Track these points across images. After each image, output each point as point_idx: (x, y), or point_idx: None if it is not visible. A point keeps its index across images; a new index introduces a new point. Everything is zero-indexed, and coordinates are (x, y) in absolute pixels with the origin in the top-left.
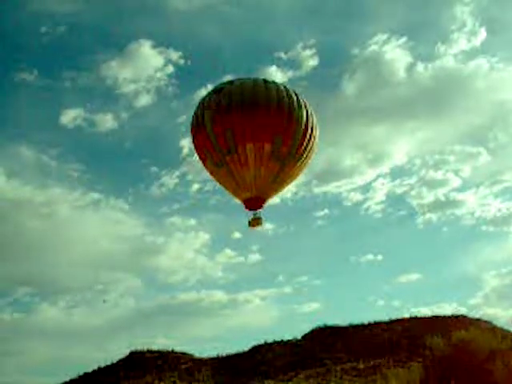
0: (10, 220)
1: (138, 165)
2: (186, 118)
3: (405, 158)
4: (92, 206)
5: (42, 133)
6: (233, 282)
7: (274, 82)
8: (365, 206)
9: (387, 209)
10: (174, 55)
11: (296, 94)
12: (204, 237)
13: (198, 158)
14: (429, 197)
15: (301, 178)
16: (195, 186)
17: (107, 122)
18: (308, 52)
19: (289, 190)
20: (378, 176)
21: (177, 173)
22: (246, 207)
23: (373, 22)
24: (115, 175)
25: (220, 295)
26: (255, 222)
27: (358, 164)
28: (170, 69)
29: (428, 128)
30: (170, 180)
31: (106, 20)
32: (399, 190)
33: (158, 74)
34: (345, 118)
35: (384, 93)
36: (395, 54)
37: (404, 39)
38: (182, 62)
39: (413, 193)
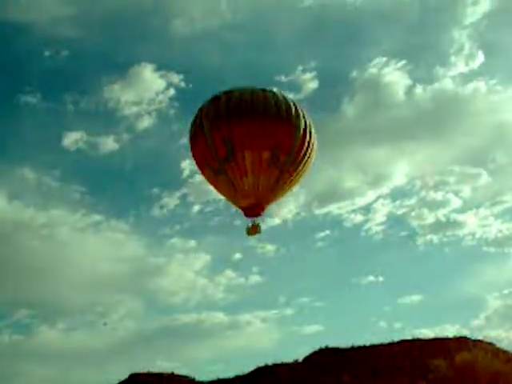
0: (11, 241)
1: (139, 186)
2: (187, 140)
3: (405, 179)
4: (93, 227)
5: (44, 155)
6: (234, 304)
7: (271, 91)
8: (365, 227)
9: (388, 230)
10: (176, 78)
11: (294, 103)
12: (205, 258)
13: (196, 166)
14: (429, 218)
15: (301, 199)
16: (196, 208)
17: (109, 144)
18: (308, 75)
19: (290, 211)
20: (379, 197)
21: (178, 194)
22: (245, 215)
23: (372, 45)
24: (116, 197)
25: (221, 317)
26: (254, 229)
27: (358, 185)
28: (172, 92)
29: (427, 149)
30: (171, 201)
31: (109, 44)
32: (400, 211)
33: (160, 97)
34: (345, 139)
35: (383, 115)
36: (394, 76)
37: (403, 62)
38: (183, 85)
39: (413, 214)
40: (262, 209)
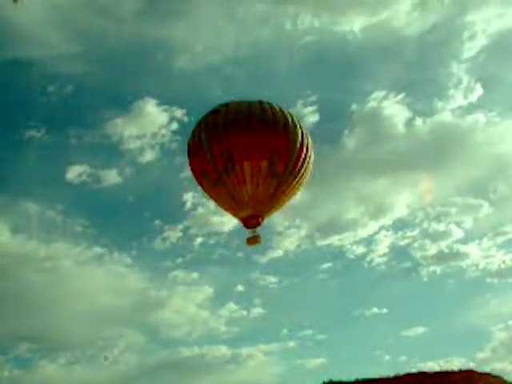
0: (13, 274)
1: (141, 219)
2: (189, 174)
3: (406, 211)
4: (95, 260)
5: (47, 188)
6: (236, 337)
7: (268, 103)
8: (368, 258)
9: (391, 261)
10: (179, 113)
11: (291, 114)
12: (207, 290)
13: (194, 180)
14: (432, 249)
15: (303, 231)
16: (198, 240)
17: (112, 177)
18: (309, 108)
19: (291, 243)
20: (381, 228)
21: (180, 226)
22: (245, 225)
23: (371, 79)
24: (119, 229)
25: (223, 350)
26: (254, 239)
27: (359, 217)
28: (175, 126)
29: (428, 181)
30: (174, 234)
31: (113, 79)
32: (402, 243)
33: (163, 131)
34: (346, 171)
35: (384, 147)
36: (394, 109)
37: (402, 95)
38: (185, 119)
39: (416, 245)
40: (262, 219)
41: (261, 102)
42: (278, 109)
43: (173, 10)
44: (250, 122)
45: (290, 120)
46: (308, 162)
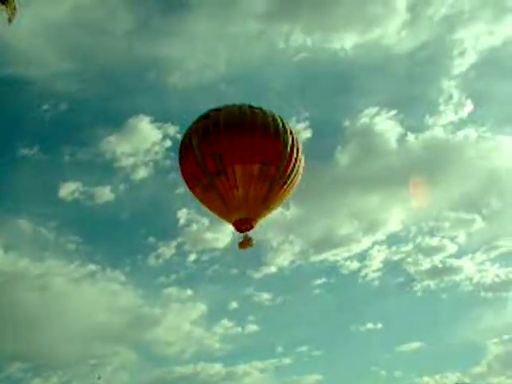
0: (5, 293)
1: (135, 236)
2: (182, 190)
3: (400, 226)
4: (88, 277)
5: (40, 206)
6: (230, 354)
7: (259, 108)
8: (362, 273)
9: (384, 276)
10: (172, 130)
11: (281, 119)
12: (201, 308)
13: (185, 185)
14: (426, 264)
15: (297, 247)
16: (192, 256)
17: (105, 194)
18: (301, 125)
19: (285, 259)
20: (374, 244)
21: (174, 243)
22: (237, 229)
23: (363, 96)
24: (112, 246)
25: (218, 368)
26: (246, 242)
27: (353, 232)
28: (168, 143)
29: (421, 196)
30: (167, 250)
31: (106, 97)
32: (396, 258)
33: (156, 148)
34: (339, 187)
35: (377, 162)
36: (386, 125)
37: (394, 112)
38: (179, 136)
39: (409, 260)
40: (253, 222)
41: (251, 107)
42: (268, 113)
43: (166, 29)
44: (241, 125)
45: (280, 124)
46: (298, 166)
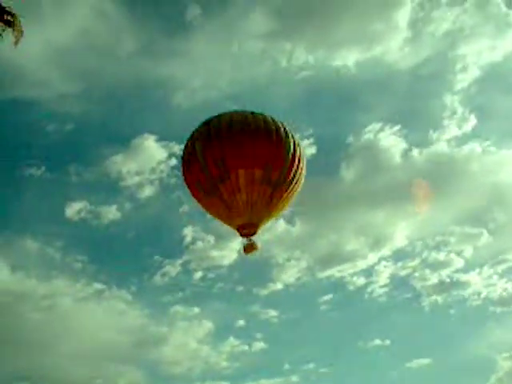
0: (12, 313)
1: (141, 254)
2: (188, 208)
3: (406, 241)
4: (95, 297)
5: (47, 225)
6: (238, 372)
7: (261, 114)
8: (369, 289)
9: (391, 292)
10: (177, 148)
11: (283, 124)
12: (207, 325)
13: (189, 191)
14: (433, 278)
15: (303, 264)
16: (198, 274)
17: (111, 213)
18: (306, 142)
19: (291, 276)
20: (381, 259)
21: (180, 261)
22: (241, 234)
23: (366, 112)
24: (118, 265)
25: None
26: (250, 247)
27: (359, 248)
28: (173, 161)
29: (426, 211)
30: (173, 269)
31: (112, 117)
32: (402, 273)
33: (161, 167)
34: (344, 203)
35: (381, 178)
36: (390, 141)
37: (397, 127)
38: None
39: (416, 275)
40: (257, 227)
41: (253, 113)
42: (270, 119)
43: (170, 50)
44: (243, 130)
45: (282, 129)
46: (301, 171)
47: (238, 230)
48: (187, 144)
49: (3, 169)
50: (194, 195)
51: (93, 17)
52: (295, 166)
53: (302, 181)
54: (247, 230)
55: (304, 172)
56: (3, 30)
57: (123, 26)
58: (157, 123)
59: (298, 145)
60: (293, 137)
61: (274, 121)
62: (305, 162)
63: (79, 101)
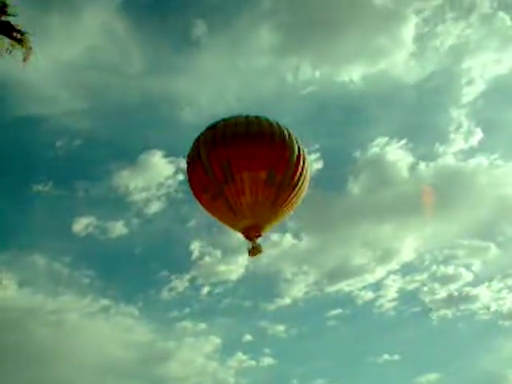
0: (20, 329)
1: (148, 269)
2: (195, 223)
3: (414, 255)
4: (102, 312)
5: (54, 241)
6: None
7: (265, 118)
8: (377, 303)
9: (400, 306)
10: (184, 164)
11: (287, 129)
12: (215, 341)
13: (193, 195)
14: (441, 292)
15: (311, 278)
16: (205, 289)
17: (118, 229)
18: (312, 156)
19: (299, 290)
20: (389, 273)
21: (187, 276)
22: (245, 237)
23: (373, 126)
24: (126, 281)
25: None
26: (255, 250)
27: (367, 262)
28: (180, 177)
29: (434, 224)
30: (180, 284)
31: (119, 133)
32: (411, 287)
33: (168, 182)
34: (352, 217)
35: (388, 191)
36: (397, 154)
37: (404, 141)
38: None
39: (425, 289)
40: (262, 230)
41: (258, 117)
42: (274, 123)
43: (177, 67)
44: (248, 134)
45: (286, 133)
46: (305, 175)
47: (242, 232)
48: (192, 148)
49: (11, 184)
50: (198, 199)
51: (101, 35)
52: (299, 169)
53: (307, 185)
54: (252, 232)
55: (308, 176)
56: (13, 48)
57: (131, 44)
58: (164, 139)
59: (303, 150)
60: (297, 141)
61: (278, 125)
62: (309, 166)
63: (87, 117)
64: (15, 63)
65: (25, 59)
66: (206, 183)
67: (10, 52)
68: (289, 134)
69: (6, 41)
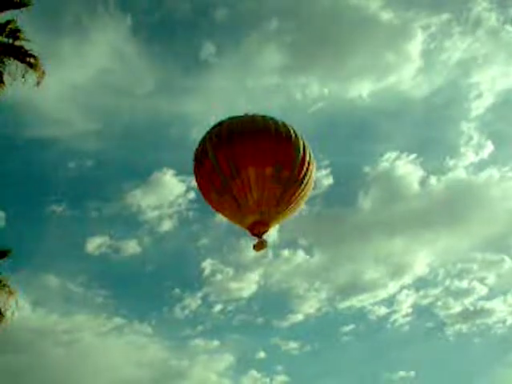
0: (34, 349)
1: (160, 288)
2: (207, 241)
3: (427, 269)
4: (115, 331)
5: (68, 261)
6: None
7: (271, 117)
8: (391, 319)
9: (414, 321)
10: (195, 182)
11: (292, 128)
12: (228, 359)
13: (201, 195)
14: (456, 307)
15: (323, 294)
16: (218, 307)
17: (131, 247)
18: (323, 172)
19: (311, 306)
20: (402, 288)
21: (199, 294)
22: (251, 232)
23: (382, 141)
24: (138, 299)
25: None
26: (260, 245)
27: (380, 277)
28: (192, 195)
29: (447, 238)
30: (193, 302)
31: (131, 153)
32: (425, 302)
33: (180, 200)
34: (363, 232)
35: (400, 206)
36: (407, 169)
37: (414, 155)
38: None
39: (439, 303)
40: (267, 227)
41: (264, 116)
42: (280, 121)
43: (186, 87)
44: (253, 130)
45: (292, 131)
46: (311, 173)
47: (248, 228)
48: (199, 146)
49: (25, 205)
50: (205, 196)
51: (111, 57)
52: (305, 166)
53: (313, 183)
54: (257, 228)
55: (314, 174)
56: (26, 72)
57: (140, 65)
58: (174, 158)
59: (308, 148)
60: (302, 138)
61: (284, 123)
62: (315, 165)
63: (99, 138)
64: (28, 87)
65: (38, 83)
66: (213, 178)
67: (23, 76)
68: (295, 132)
69: (19, 65)
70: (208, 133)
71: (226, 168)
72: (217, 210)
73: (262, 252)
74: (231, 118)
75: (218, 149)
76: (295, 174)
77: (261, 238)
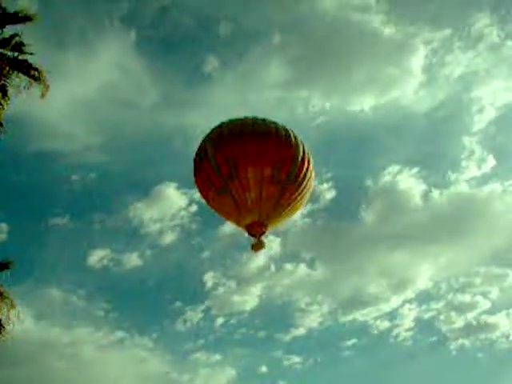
0: (36, 362)
1: (162, 301)
2: (209, 254)
3: (430, 283)
4: (117, 344)
5: (70, 274)
6: None
7: (272, 121)
8: (393, 333)
9: (417, 335)
10: (197, 195)
11: (292, 131)
12: (230, 372)
13: (200, 194)
14: (459, 321)
15: (325, 308)
16: (220, 320)
17: (133, 260)
18: (325, 186)
19: (314, 320)
20: (404, 302)
21: (201, 307)
22: (249, 233)
23: (384, 155)
24: (140, 312)
25: None
26: (258, 245)
27: (382, 291)
28: (194, 207)
29: (450, 252)
30: (195, 315)
31: (134, 166)
32: (427, 316)
33: (182, 213)
34: (366, 246)
35: (402, 219)
36: (409, 182)
37: (416, 169)
38: (204, 200)
39: (442, 318)
40: (265, 227)
41: (264, 119)
42: (280, 125)
43: (190, 100)
44: (254, 131)
45: (291, 134)
46: (310, 176)
47: (246, 229)
48: (199, 147)
49: (28, 218)
50: (205, 196)
51: (115, 71)
52: (305, 167)
53: (312, 185)
54: (255, 228)
55: (313, 176)
56: (30, 85)
57: (144, 79)
58: (177, 171)
59: (308, 151)
60: (301, 142)
61: (284, 127)
62: (313, 166)
63: (102, 151)
64: (33, 100)
65: (42, 96)
66: (212, 178)
67: (28, 89)
68: (294, 135)
69: (24, 78)
70: (208, 133)
71: (225, 168)
72: (216, 210)
73: (259, 252)
74: (232, 120)
75: (217, 149)
76: (294, 175)
77: (259, 238)
